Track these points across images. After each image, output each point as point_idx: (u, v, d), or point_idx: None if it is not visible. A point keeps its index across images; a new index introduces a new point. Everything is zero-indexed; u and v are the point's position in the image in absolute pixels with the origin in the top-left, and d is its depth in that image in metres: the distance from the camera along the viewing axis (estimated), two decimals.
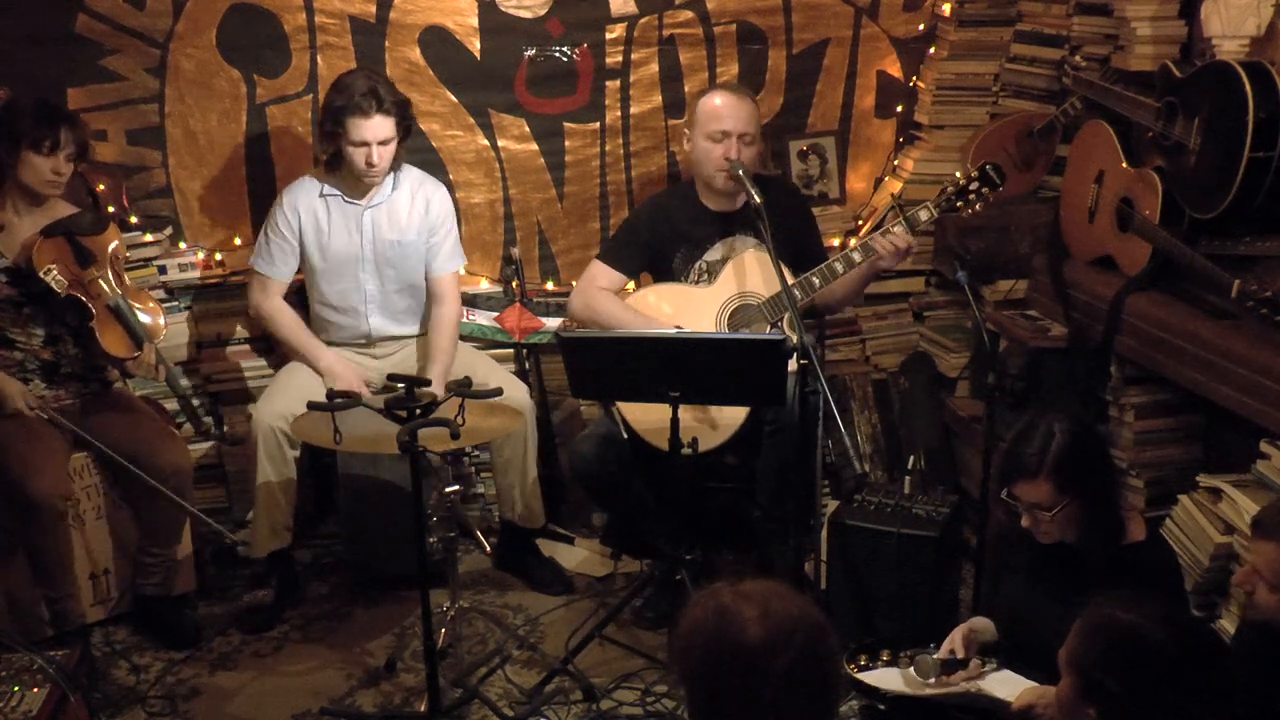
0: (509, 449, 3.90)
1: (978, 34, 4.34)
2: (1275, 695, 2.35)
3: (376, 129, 3.70)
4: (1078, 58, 4.11)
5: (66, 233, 3.58)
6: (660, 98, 4.33)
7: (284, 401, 3.73)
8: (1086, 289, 3.76)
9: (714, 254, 3.88)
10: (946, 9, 4.35)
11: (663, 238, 3.90)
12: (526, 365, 4.31)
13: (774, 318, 3.73)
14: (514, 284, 4.31)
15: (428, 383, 3.20)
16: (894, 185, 4.47)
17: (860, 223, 4.47)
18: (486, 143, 4.28)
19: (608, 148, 4.35)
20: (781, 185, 4.21)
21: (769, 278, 3.69)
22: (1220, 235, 3.38)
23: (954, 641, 2.85)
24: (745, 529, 4.04)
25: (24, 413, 3.50)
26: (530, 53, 4.20)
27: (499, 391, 3.31)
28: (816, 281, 3.69)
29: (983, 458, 3.45)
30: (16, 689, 2.87)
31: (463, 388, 3.13)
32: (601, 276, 3.92)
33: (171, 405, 3.96)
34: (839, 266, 3.68)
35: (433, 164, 4.18)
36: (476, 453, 4.30)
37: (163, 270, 4.15)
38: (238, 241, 4.24)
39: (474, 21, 4.14)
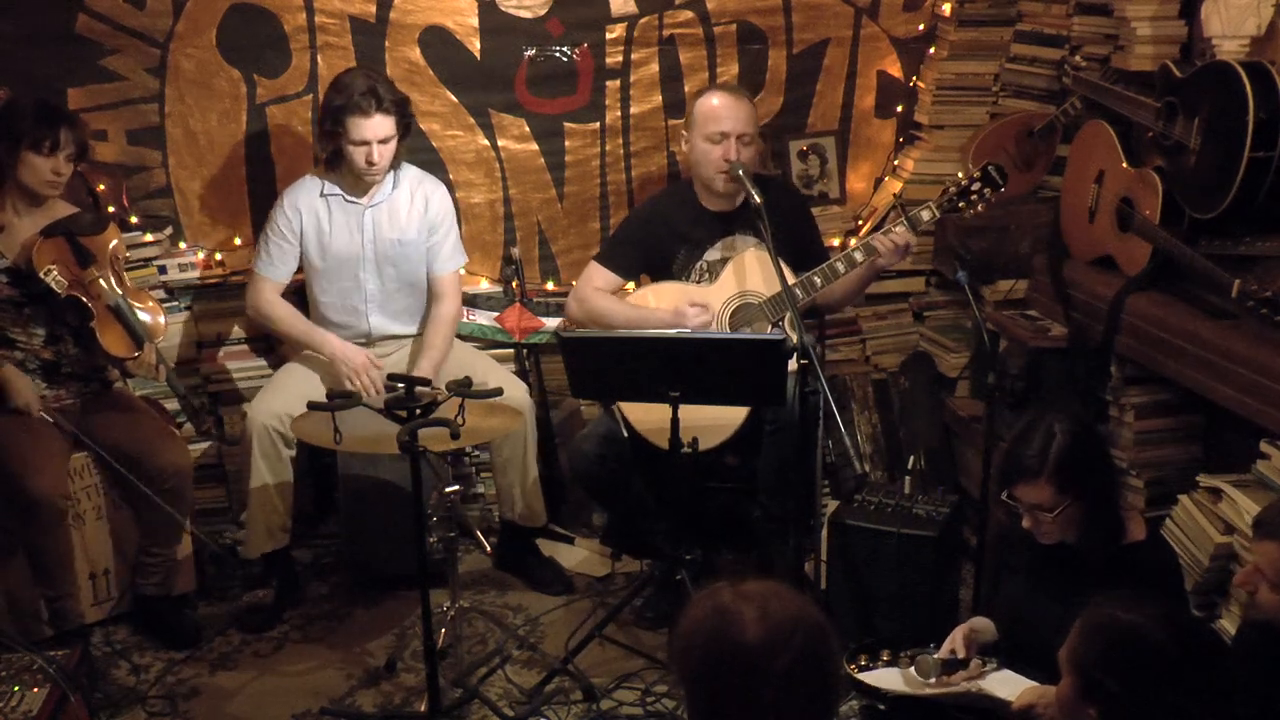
0: (509, 448, 3.90)
1: (978, 34, 4.34)
2: (1276, 695, 2.35)
3: (376, 128, 3.70)
4: (1078, 58, 4.11)
5: (66, 233, 3.57)
6: (660, 98, 4.33)
7: (280, 401, 3.73)
8: (1086, 289, 3.76)
9: (714, 254, 3.88)
10: (946, 9, 4.35)
11: (661, 239, 3.90)
12: (526, 365, 4.31)
13: (775, 317, 3.73)
14: (514, 284, 4.31)
15: (428, 382, 3.21)
16: (894, 185, 4.47)
17: (860, 223, 4.47)
18: (486, 143, 4.28)
19: (608, 148, 4.35)
20: (781, 185, 4.22)
21: (769, 277, 3.69)
22: (1220, 235, 3.38)
23: (954, 641, 2.85)
24: (745, 529, 4.04)
25: (31, 412, 3.50)
26: (530, 53, 4.20)
27: (499, 391, 3.31)
28: (818, 281, 3.69)
29: (983, 458, 3.45)
30: (16, 689, 2.88)
31: (463, 388, 3.13)
32: (598, 278, 3.92)
33: (172, 405, 3.96)
34: (840, 266, 3.68)
35: (433, 164, 4.18)
36: (476, 453, 4.30)
37: (163, 270, 4.15)
38: (238, 241, 4.24)
39: (474, 21, 4.14)
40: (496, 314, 4.33)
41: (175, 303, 4.17)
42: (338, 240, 3.87)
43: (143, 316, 3.66)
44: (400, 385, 3.12)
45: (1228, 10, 3.54)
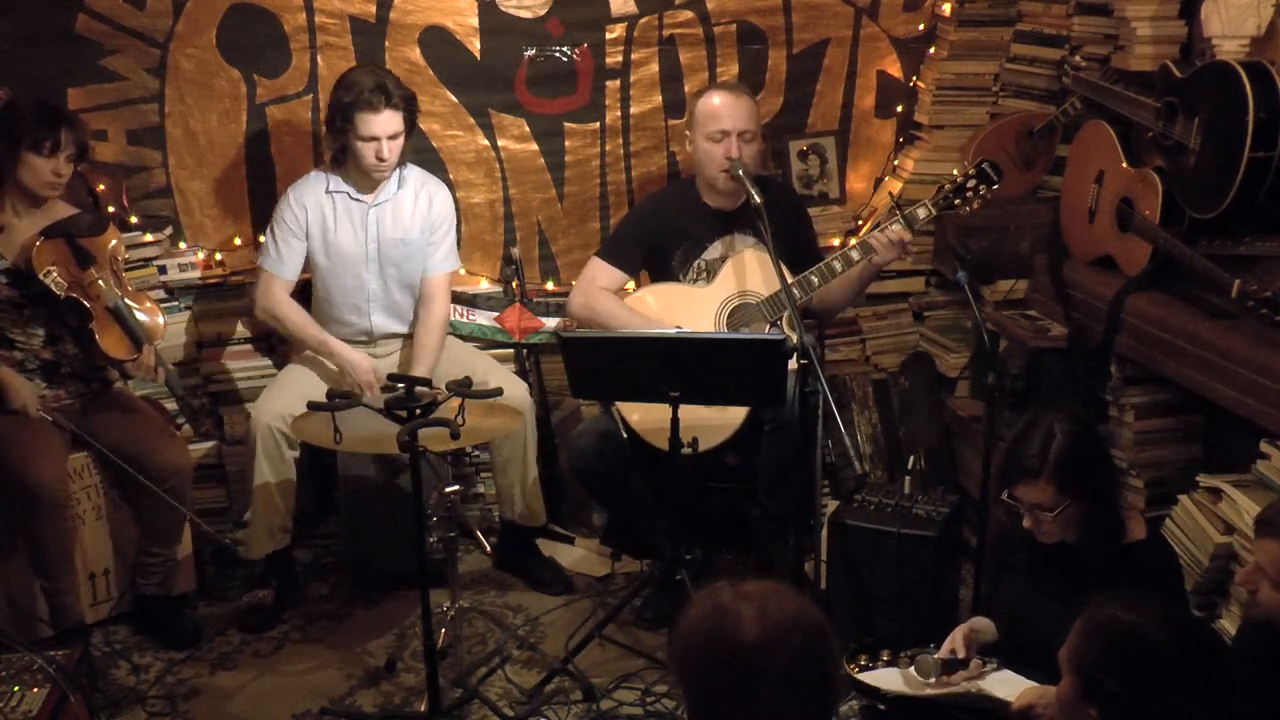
0: (509, 448, 3.90)
1: (978, 34, 4.34)
2: (1276, 695, 2.35)
3: (386, 124, 3.70)
4: (1078, 58, 4.10)
5: (66, 234, 3.57)
6: (660, 98, 4.33)
7: (283, 401, 3.73)
8: (1086, 289, 3.76)
9: (712, 252, 3.88)
10: (946, 9, 4.35)
11: (662, 235, 3.90)
12: (526, 365, 4.31)
13: (773, 316, 3.73)
14: (514, 284, 4.31)
15: (428, 382, 3.20)
16: (894, 185, 4.47)
17: (860, 223, 4.47)
18: (486, 143, 4.28)
19: (608, 148, 4.35)
20: (782, 187, 4.21)
21: (768, 277, 3.69)
22: (1220, 235, 3.38)
23: (954, 641, 2.85)
24: (745, 529, 4.04)
25: (30, 412, 3.50)
26: (530, 53, 4.19)
27: (499, 391, 3.31)
28: (815, 280, 3.69)
29: (983, 458, 3.45)
30: (16, 689, 2.87)
31: (463, 388, 3.13)
32: (601, 275, 3.92)
33: (172, 406, 3.96)
34: (838, 265, 3.68)
35: (433, 164, 4.17)
36: (476, 453, 4.30)
37: (163, 270, 4.15)
38: (238, 241, 4.24)
39: (474, 21, 4.14)
40: (496, 314, 4.33)
41: (175, 303, 4.17)
42: (342, 238, 3.87)
43: (142, 318, 3.66)
44: (400, 385, 3.12)
45: (1228, 10, 3.54)
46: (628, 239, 3.97)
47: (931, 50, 4.43)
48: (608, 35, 4.22)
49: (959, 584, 3.77)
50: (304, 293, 4.01)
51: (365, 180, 3.85)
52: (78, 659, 3.13)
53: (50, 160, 3.48)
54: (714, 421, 3.61)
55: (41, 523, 3.48)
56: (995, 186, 3.65)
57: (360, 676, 3.59)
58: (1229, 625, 3.04)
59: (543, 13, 4.16)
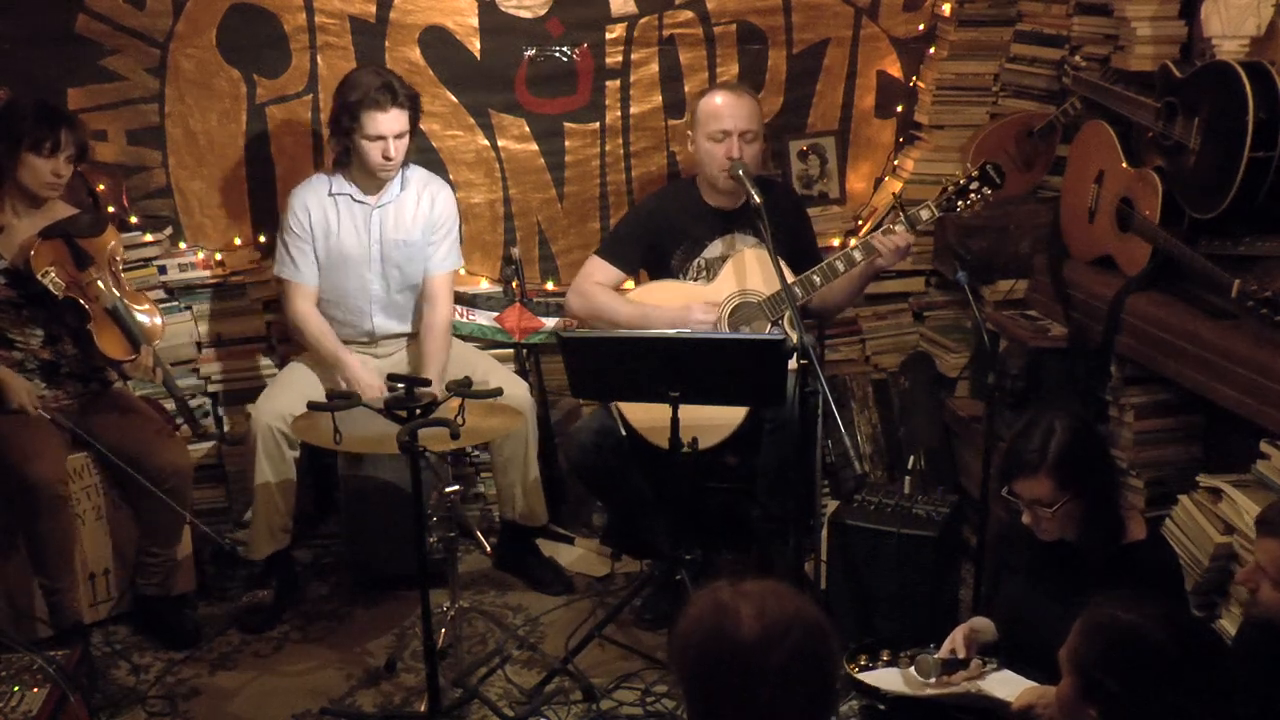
0: (509, 448, 3.89)
1: (978, 34, 4.34)
2: (1276, 695, 2.35)
3: (392, 122, 3.70)
4: (1078, 58, 4.10)
5: (65, 235, 3.57)
6: (660, 98, 4.33)
7: (284, 401, 3.73)
8: (1086, 289, 3.76)
9: (712, 251, 3.88)
10: (946, 9, 4.35)
11: (662, 234, 3.90)
12: (526, 365, 4.31)
13: (774, 316, 3.73)
14: (514, 284, 4.31)
15: (428, 382, 3.20)
16: (894, 185, 4.47)
17: (860, 223, 4.47)
18: (486, 143, 4.28)
19: (608, 148, 4.35)
20: (782, 188, 4.21)
21: (769, 276, 3.69)
22: (1220, 235, 3.38)
23: (954, 641, 2.85)
24: (745, 529, 4.04)
25: (28, 411, 3.50)
26: (530, 53, 4.19)
27: (499, 391, 3.31)
28: (817, 280, 3.69)
29: (983, 458, 3.45)
30: (16, 689, 2.87)
31: (463, 388, 3.13)
32: (598, 272, 3.92)
33: (171, 406, 3.96)
34: (839, 265, 3.68)
35: (433, 164, 4.17)
36: (476, 453, 4.30)
37: (163, 270, 4.15)
38: (238, 242, 4.24)
39: (474, 21, 4.14)
40: (496, 314, 4.33)
41: (175, 303, 4.17)
42: (345, 240, 3.87)
43: (140, 319, 3.66)
44: (400, 385, 3.12)
45: (1228, 10, 3.54)
46: (627, 238, 3.97)
47: (931, 50, 4.43)
48: (608, 35, 4.22)
49: (959, 584, 3.77)
50: None
51: (370, 181, 3.85)
52: (78, 659, 3.13)
53: (50, 161, 3.48)
54: (714, 421, 3.61)
55: (41, 520, 3.48)
56: (999, 188, 3.65)
57: (360, 676, 3.59)
58: (1229, 625, 3.04)
59: (543, 13, 4.16)
